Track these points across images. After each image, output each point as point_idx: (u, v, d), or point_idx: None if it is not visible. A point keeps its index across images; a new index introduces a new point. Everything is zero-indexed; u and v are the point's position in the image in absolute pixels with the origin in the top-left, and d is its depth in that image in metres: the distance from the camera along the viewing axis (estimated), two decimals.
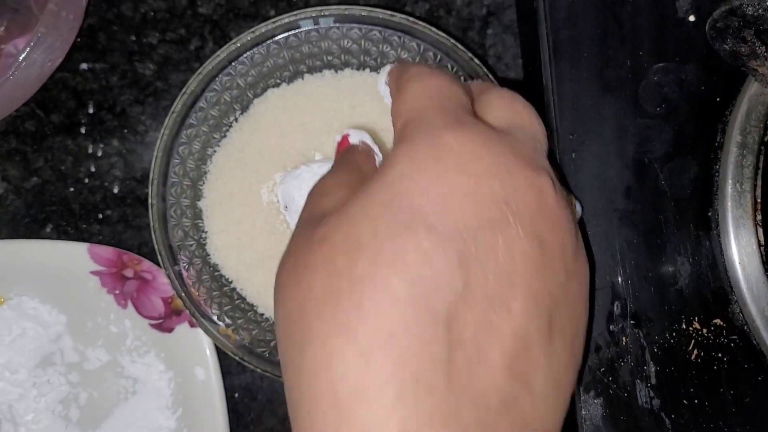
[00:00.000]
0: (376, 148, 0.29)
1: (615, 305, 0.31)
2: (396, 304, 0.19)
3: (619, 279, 0.31)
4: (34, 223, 0.42)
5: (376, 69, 0.39)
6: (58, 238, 0.42)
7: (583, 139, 0.32)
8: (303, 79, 0.39)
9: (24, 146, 0.43)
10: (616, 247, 0.31)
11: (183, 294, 0.36)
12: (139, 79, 0.43)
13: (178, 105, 0.37)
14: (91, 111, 0.43)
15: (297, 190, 0.33)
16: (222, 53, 0.37)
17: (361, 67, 0.39)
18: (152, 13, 0.43)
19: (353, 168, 0.27)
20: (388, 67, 0.28)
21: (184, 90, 0.37)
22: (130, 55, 0.43)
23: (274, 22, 0.36)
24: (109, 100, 0.43)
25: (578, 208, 0.31)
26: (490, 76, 0.36)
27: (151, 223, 0.36)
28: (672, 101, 0.32)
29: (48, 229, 0.42)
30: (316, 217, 0.23)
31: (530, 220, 0.21)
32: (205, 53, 0.43)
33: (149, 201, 0.36)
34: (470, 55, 0.36)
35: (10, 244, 0.41)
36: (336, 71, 0.39)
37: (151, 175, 0.36)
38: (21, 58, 0.32)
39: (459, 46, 0.36)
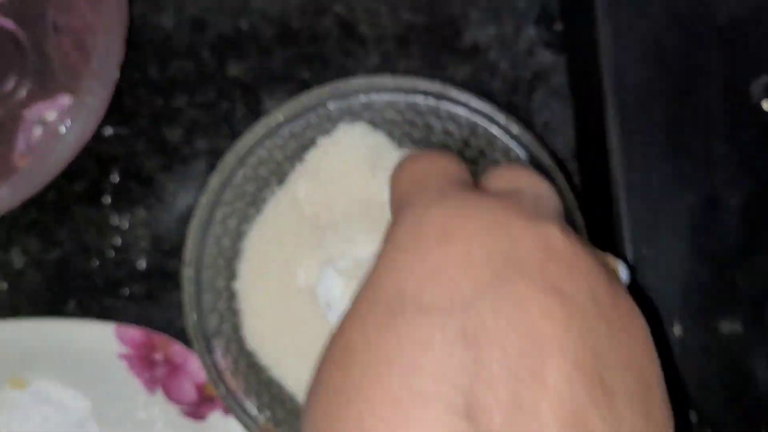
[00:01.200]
0: None
1: (691, 414, 0.29)
2: (398, 407, 0.17)
3: (696, 389, 0.29)
4: (56, 299, 0.40)
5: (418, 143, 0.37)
6: (82, 314, 0.40)
7: (654, 232, 0.30)
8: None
9: (45, 217, 0.40)
10: None
11: (221, 386, 0.34)
12: (167, 145, 0.40)
13: (213, 182, 0.34)
14: (116, 179, 0.40)
15: (338, 288, 0.31)
16: (260, 128, 0.34)
17: (404, 135, 0.37)
18: (180, 75, 0.41)
19: None
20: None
21: (218, 167, 0.34)
22: (156, 120, 0.41)
23: (319, 95, 0.34)
24: (135, 167, 0.40)
25: (623, 273, 0.29)
26: (544, 152, 0.34)
27: (185, 309, 0.34)
28: (749, 193, 0.30)
29: (70, 306, 0.40)
30: None
31: (540, 270, 0.18)
32: (236, 117, 0.40)
33: (183, 285, 0.34)
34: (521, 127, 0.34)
35: (30, 323, 0.38)
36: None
37: (185, 258, 0.34)
38: (63, 130, 0.30)
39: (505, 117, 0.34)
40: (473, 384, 0.16)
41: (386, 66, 0.40)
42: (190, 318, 0.34)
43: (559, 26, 0.40)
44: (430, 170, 0.23)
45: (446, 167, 0.23)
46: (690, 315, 0.29)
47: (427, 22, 0.40)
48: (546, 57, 0.40)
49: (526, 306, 0.17)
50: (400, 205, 0.21)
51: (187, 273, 0.34)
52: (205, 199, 0.34)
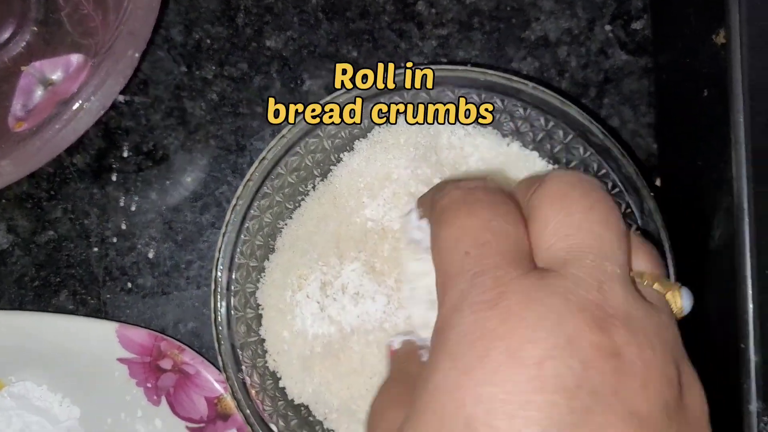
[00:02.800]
0: (420, 341, 0.26)
1: None
2: None
3: None
4: (45, 289, 0.34)
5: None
6: (75, 309, 0.34)
7: None
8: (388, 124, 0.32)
9: (38, 191, 0.34)
10: None
11: (245, 406, 0.29)
12: (188, 120, 0.35)
13: (255, 172, 0.29)
14: (125, 154, 0.35)
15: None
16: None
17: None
18: (208, 41, 0.35)
19: (401, 377, 0.24)
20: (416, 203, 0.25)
21: (263, 155, 0.29)
22: (177, 90, 0.35)
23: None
24: (149, 142, 0.35)
25: (686, 301, 0.25)
26: (613, 141, 0.30)
27: (213, 316, 0.29)
28: None
29: (62, 297, 0.34)
30: None
31: (614, 394, 0.18)
32: (270, 94, 0.35)
33: (214, 289, 0.29)
34: (589, 118, 0.30)
35: (12, 315, 0.33)
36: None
37: (217, 257, 0.29)
38: (75, 107, 0.25)
39: (574, 108, 0.30)
40: None
41: (444, 53, 0.36)
42: (219, 326, 0.29)
43: (638, 25, 0.36)
44: (482, 239, 0.20)
45: (499, 232, 0.20)
46: None
47: (494, 7, 0.36)
48: (620, 59, 0.36)
49: None
50: (449, 288, 0.19)
51: (219, 274, 0.29)
52: (244, 189, 0.29)
